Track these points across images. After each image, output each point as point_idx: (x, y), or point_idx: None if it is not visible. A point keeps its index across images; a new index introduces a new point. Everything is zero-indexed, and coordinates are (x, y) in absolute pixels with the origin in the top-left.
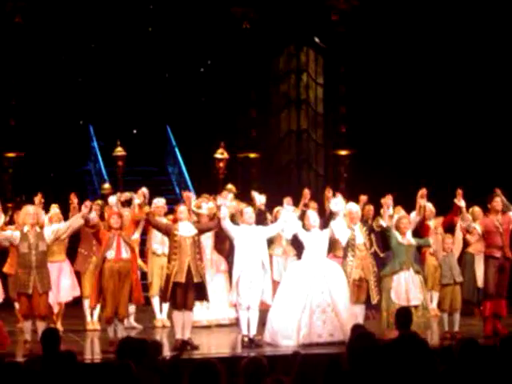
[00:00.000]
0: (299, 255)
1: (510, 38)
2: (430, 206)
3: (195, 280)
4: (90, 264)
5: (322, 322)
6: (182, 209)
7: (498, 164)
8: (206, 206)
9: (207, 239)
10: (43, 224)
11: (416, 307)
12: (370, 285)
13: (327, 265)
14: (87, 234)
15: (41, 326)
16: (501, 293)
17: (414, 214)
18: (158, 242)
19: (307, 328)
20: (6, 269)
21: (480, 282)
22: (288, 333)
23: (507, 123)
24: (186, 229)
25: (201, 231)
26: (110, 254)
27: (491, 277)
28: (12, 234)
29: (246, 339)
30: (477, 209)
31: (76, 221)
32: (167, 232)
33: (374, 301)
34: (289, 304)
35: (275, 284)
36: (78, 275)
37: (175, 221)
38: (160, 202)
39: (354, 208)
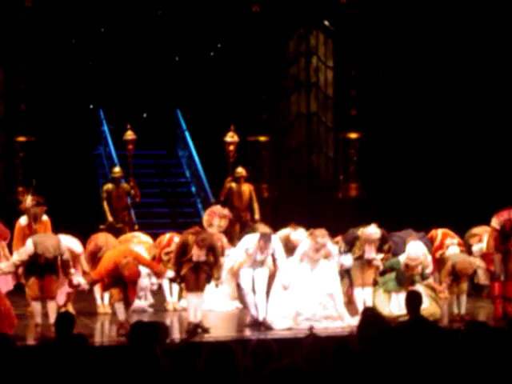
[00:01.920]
0: None
1: None
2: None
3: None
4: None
5: (325, 317)
6: (205, 244)
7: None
8: (218, 223)
9: None
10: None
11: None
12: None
13: (324, 266)
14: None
15: (51, 306)
16: (510, 274)
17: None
18: None
19: (307, 321)
20: None
21: (476, 279)
22: (282, 319)
23: None
24: (200, 256)
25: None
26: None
27: (498, 258)
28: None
29: (253, 321)
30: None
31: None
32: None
33: None
34: (287, 296)
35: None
36: None
37: (195, 234)
38: None
39: (372, 231)
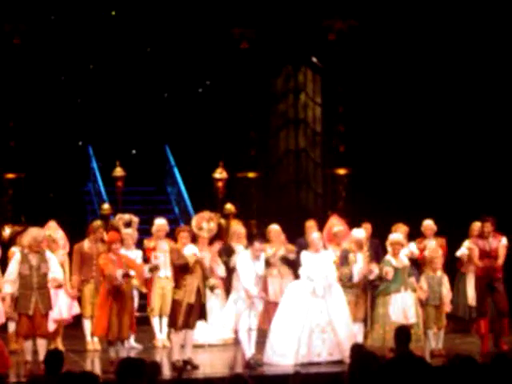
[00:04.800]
0: (295, 276)
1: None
2: (431, 224)
3: (202, 300)
4: (88, 286)
5: (322, 341)
6: (184, 235)
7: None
8: (207, 226)
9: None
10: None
11: (412, 326)
12: (367, 306)
13: (327, 284)
14: (87, 260)
15: (41, 344)
16: (502, 312)
17: (412, 245)
18: (161, 264)
19: (306, 347)
20: None
21: (471, 300)
22: (285, 352)
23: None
24: (191, 251)
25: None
26: (118, 272)
27: (482, 296)
28: (16, 257)
29: (251, 361)
30: (476, 225)
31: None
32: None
33: (369, 326)
34: (288, 323)
35: (271, 305)
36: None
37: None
38: (161, 222)
39: (360, 235)
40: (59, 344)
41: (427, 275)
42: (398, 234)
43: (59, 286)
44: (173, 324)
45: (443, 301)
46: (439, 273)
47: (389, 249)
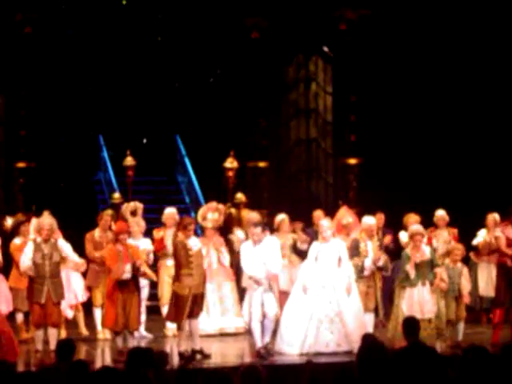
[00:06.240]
0: None
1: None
2: (443, 214)
3: (204, 291)
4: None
5: (330, 331)
6: (192, 227)
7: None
8: (212, 216)
9: (213, 251)
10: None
11: (430, 320)
12: (377, 297)
13: (337, 275)
14: (98, 249)
15: (52, 333)
16: None
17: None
18: (170, 255)
19: (314, 337)
20: (11, 282)
21: (481, 290)
22: (292, 341)
23: None
24: (195, 243)
25: None
26: (126, 267)
27: (503, 285)
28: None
29: (262, 351)
30: (492, 216)
31: (79, 265)
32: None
33: (380, 316)
34: (296, 313)
35: (281, 294)
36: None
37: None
38: (170, 211)
39: (371, 222)
40: (83, 329)
41: (447, 266)
42: (417, 224)
43: (78, 268)
44: (174, 318)
45: (462, 292)
46: (459, 264)
47: (403, 239)
